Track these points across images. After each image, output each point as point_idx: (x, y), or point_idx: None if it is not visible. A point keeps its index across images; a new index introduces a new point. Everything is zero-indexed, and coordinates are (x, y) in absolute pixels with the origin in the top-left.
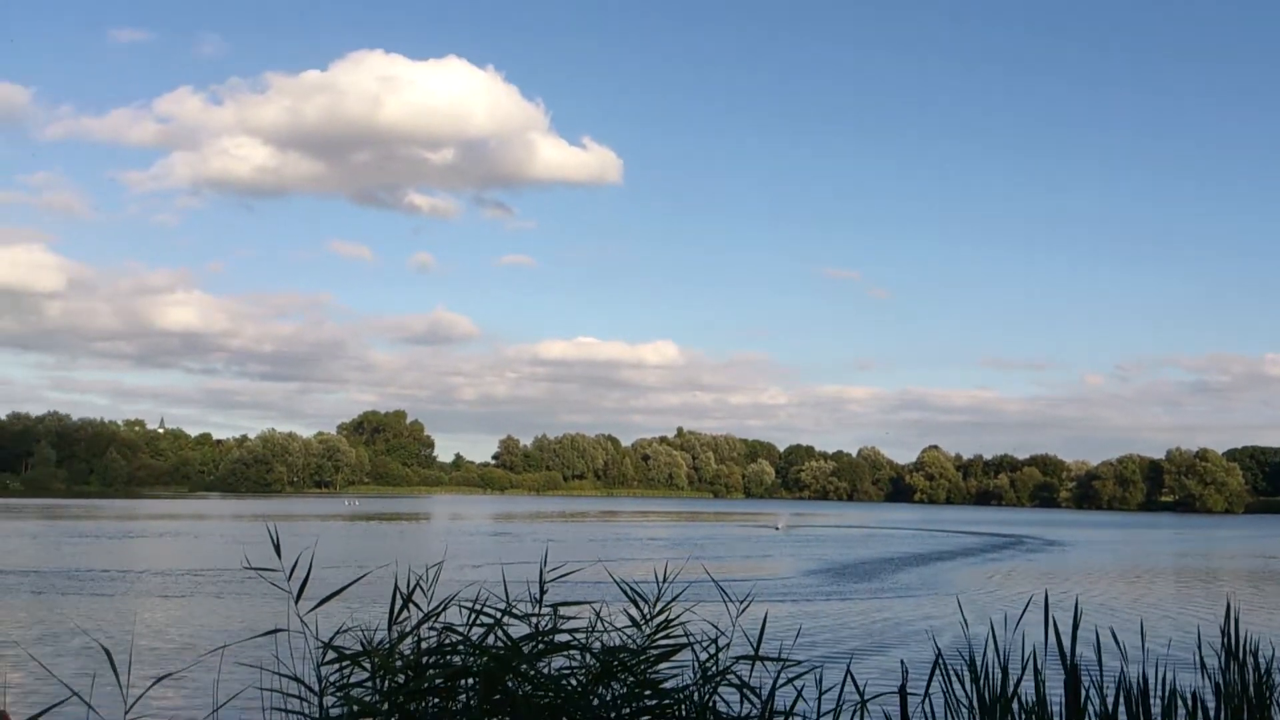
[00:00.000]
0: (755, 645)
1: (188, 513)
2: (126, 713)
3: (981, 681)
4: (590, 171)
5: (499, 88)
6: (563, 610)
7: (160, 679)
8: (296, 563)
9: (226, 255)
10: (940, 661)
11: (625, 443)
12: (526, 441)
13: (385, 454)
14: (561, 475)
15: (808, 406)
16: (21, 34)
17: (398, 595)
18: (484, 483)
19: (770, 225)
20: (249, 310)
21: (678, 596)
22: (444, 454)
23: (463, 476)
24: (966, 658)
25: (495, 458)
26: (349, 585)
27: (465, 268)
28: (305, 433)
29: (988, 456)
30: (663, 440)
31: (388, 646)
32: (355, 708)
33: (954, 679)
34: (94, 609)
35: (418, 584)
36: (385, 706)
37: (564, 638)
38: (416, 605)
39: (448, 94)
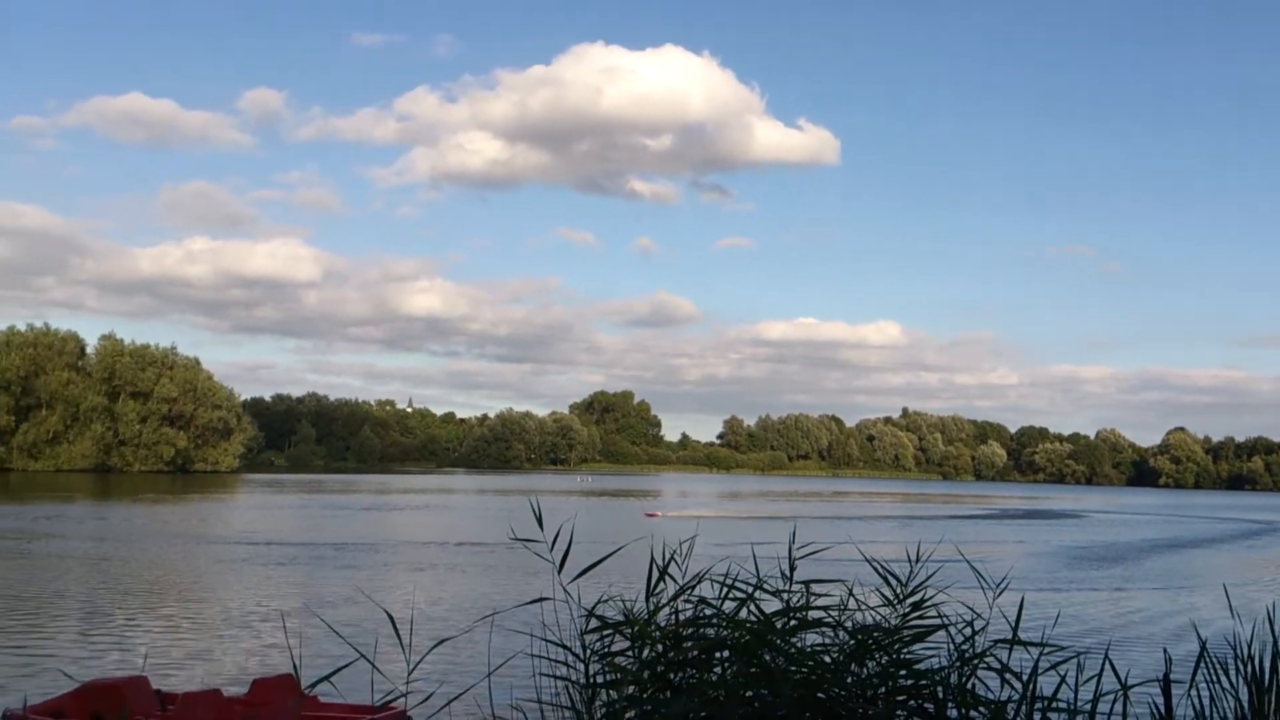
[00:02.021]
0: (1013, 628)
1: (436, 487)
2: (410, 673)
3: (1249, 672)
4: (807, 152)
5: (715, 73)
6: (813, 588)
7: (438, 643)
8: (558, 535)
9: (463, 244)
10: (1205, 651)
11: (849, 423)
12: (750, 421)
13: (615, 433)
14: (786, 455)
15: (1039, 387)
16: (275, 41)
17: (653, 568)
18: (710, 462)
19: (992, 202)
20: (485, 295)
21: (931, 577)
22: (670, 433)
23: (689, 455)
24: (1233, 648)
25: (720, 437)
26: (607, 557)
27: (685, 251)
28: (540, 412)
29: (1240, 439)
30: (887, 421)
31: (645, 617)
32: (618, 675)
33: (1219, 670)
34: (370, 577)
35: (671, 558)
36: (646, 675)
37: (816, 614)
38: (672, 578)
39: (665, 81)
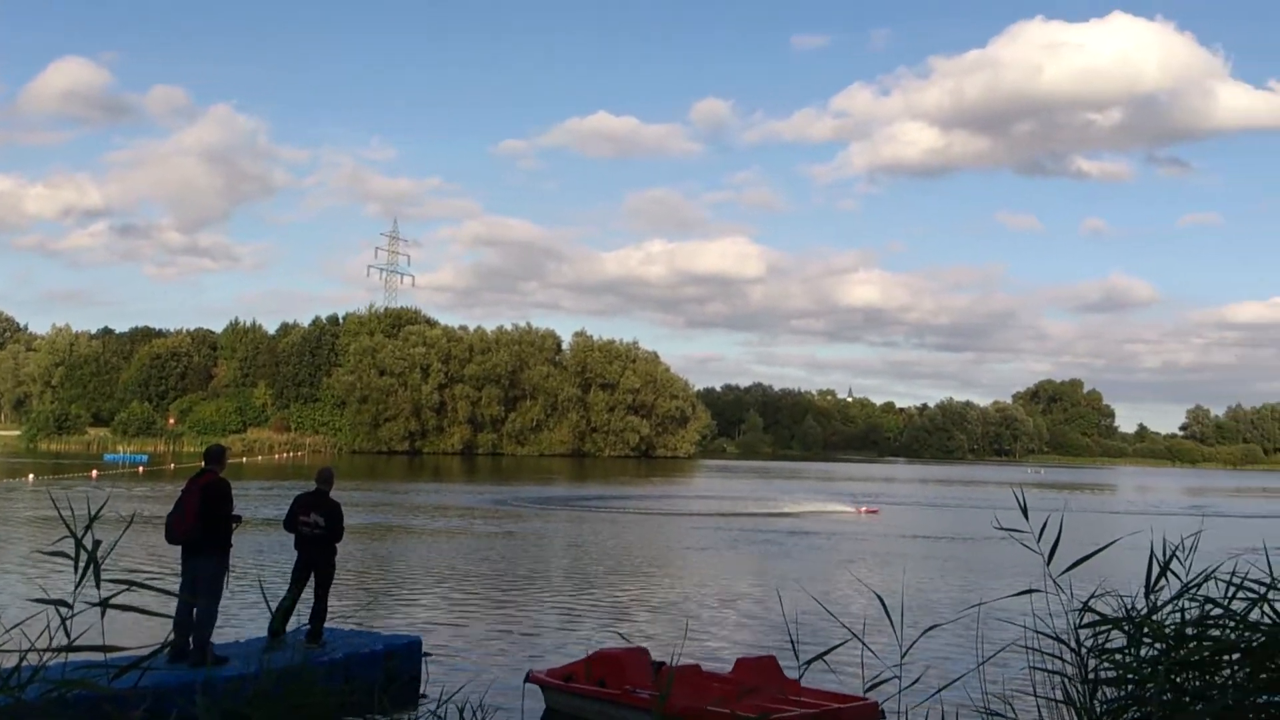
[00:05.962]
0: None
1: (880, 476)
2: (902, 657)
3: None
4: None
5: (1170, 38)
6: None
7: (928, 629)
8: (1045, 525)
9: (902, 234)
10: None
11: None
12: (1218, 411)
13: (1063, 423)
14: (1261, 449)
15: None
16: (720, 51)
17: (1154, 563)
18: (1171, 455)
19: None
20: (924, 285)
21: None
22: (1125, 424)
23: (1147, 448)
24: None
25: (1183, 429)
26: (1101, 550)
27: (1140, 231)
28: (982, 401)
29: None
30: None
31: (1143, 614)
32: (1122, 671)
33: None
34: (834, 566)
35: (1173, 554)
36: (1148, 672)
37: None
38: (1175, 575)
39: (1113, 52)
